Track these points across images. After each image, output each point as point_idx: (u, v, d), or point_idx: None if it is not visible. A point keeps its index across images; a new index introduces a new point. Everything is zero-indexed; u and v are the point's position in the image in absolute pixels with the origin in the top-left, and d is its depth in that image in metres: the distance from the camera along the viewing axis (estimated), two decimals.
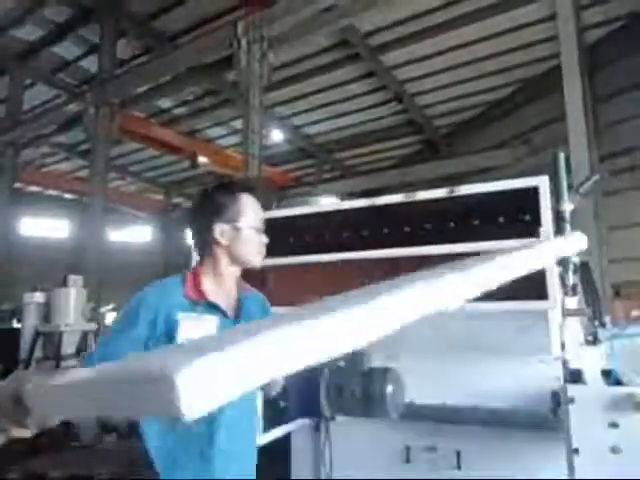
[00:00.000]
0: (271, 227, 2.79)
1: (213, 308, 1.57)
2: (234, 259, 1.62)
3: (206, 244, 1.63)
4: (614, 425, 2.04)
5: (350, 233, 2.68)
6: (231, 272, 1.64)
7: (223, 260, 1.61)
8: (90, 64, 11.64)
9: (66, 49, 11.60)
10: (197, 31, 10.24)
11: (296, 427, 2.87)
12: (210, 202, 1.64)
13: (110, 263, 11.19)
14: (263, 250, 1.68)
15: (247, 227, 1.62)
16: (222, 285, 1.62)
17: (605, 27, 9.42)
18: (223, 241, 1.59)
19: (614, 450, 1.83)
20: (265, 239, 1.68)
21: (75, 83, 12.62)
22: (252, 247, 1.64)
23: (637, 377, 2.39)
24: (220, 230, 1.59)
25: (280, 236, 2.84)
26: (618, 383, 2.57)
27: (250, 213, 1.64)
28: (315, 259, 2.52)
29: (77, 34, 11.10)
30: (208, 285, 1.60)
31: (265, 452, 2.78)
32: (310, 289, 2.87)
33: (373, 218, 2.50)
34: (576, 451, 1.93)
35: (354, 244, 2.48)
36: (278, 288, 2.93)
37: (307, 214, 2.65)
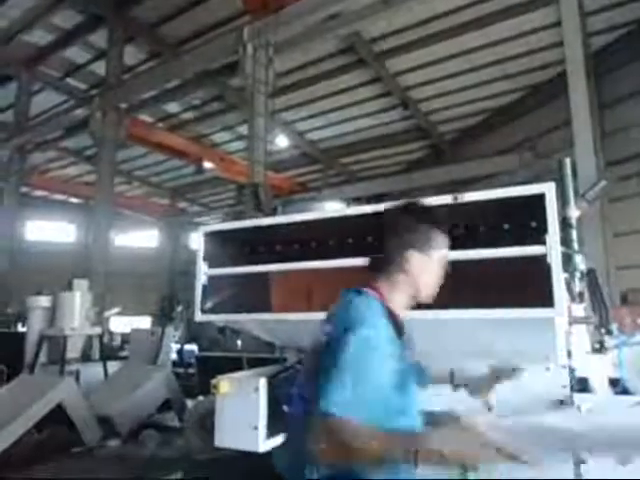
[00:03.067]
0: (276, 233, 2.80)
1: (398, 330, 1.52)
2: (411, 288, 1.57)
3: (390, 267, 1.55)
4: None
5: (355, 239, 2.67)
6: (402, 299, 1.58)
7: (401, 286, 1.55)
8: (98, 69, 11.74)
9: (74, 55, 11.71)
10: (203, 37, 10.31)
11: None
12: (411, 227, 1.56)
13: (115, 267, 11.22)
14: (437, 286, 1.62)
15: (438, 261, 1.56)
16: (396, 308, 1.56)
17: (611, 33, 9.40)
18: (412, 269, 1.52)
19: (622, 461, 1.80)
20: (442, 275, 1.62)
21: (83, 88, 12.72)
22: (434, 281, 1.58)
23: None
24: (413, 258, 1.52)
25: (285, 242, 2.84)
26: (625, 391, 2.55)
27: (443, 247, 1.58)
28: (321, 265, 2.50)
29: (85, 40, 11.20)
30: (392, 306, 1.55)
31: (269, 459, 2.76)
32: (315, 295, 2.86)
33: (379, 224, 2.48)
34: (583, 461, 1.90)
35: (359, 250, 2.46)
36: (282, 293, 2.92)
37: (312, 220, 2.64)
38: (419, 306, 2.17)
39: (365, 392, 1.28)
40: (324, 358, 1.35)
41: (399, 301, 1.56)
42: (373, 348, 1.35)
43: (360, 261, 2.43)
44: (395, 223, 1.61)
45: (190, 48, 10.49)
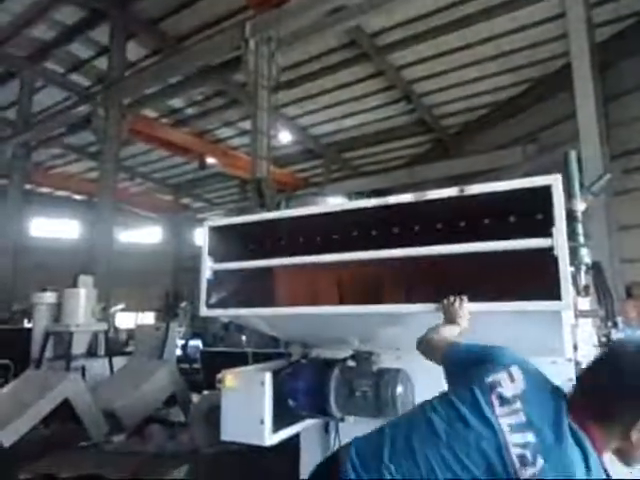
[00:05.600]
0: (279, 227, 2.79)
1: None
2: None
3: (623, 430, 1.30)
4: None
5: (359, 233, 2.67)
6: None
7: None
8: (100, 65, 11.73)
9: (77, 51, 11.70)
10: (206, 32, 10.29)
11: (305, 427, 2.86)
12: None
13: (120, 263, 11.25)
14: None
15: None
16: None
17: (617, 24, 9.32)
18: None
19: None
20: None
21: (86, 84, 12.72)
22: None
23: None
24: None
25: (288, 236, 2.84)
26: None
27: None
28: (324, 259, 2.50)
29: (87, 36, 11.19)
30: None
31: (275, 452, 2.77)
32: (318, 289, 2.86)
33: (382, 218, 2.48)
34: None
35: (363, 244, 2.46)
36: (286, 288, 2.92)
37: (315, 214, 2.63)
38: (421, 300, 2.16)
39: None
40: None
41: None
42: None
43: (363, 255, 2.43)
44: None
45: (192, 43, 10.47)
